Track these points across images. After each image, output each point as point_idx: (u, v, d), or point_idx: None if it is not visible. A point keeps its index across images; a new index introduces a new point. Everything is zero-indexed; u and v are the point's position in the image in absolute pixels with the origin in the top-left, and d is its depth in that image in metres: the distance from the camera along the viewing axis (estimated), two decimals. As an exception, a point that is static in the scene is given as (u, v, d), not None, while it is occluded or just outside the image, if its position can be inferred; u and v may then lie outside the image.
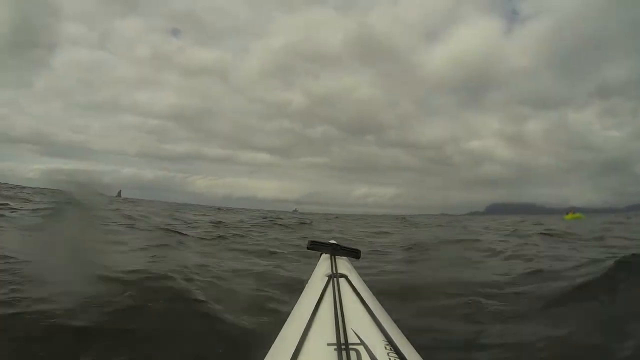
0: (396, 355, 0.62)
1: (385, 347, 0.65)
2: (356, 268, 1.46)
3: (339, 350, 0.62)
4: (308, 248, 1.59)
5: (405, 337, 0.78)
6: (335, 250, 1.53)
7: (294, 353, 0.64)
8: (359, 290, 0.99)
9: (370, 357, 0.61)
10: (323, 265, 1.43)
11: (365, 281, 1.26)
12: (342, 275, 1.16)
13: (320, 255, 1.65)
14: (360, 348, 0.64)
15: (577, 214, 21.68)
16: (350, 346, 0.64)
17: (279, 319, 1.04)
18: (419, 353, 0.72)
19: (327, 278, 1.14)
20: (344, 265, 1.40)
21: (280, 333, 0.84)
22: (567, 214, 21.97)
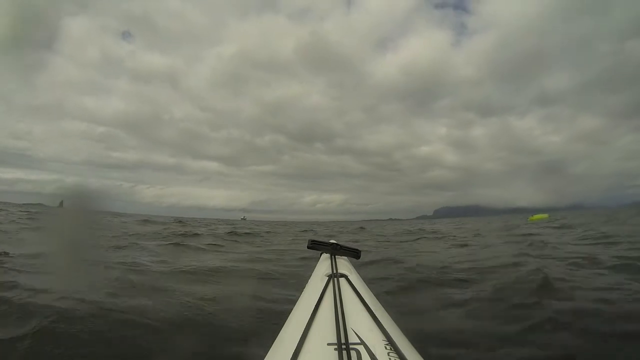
0: (396, 355, 0.62)
1: (386, 347, 0.65)
2: (356, 268, 1.46)
3: (339, 350, 0.63)
4: (308, 247, 1.59)
5: (405, 337, 0.78)
6: (336, 250, 1.53)
7: (294, 353, 0.64)
8: (359, 290, 0.99)
9: (371, 357, 0.61)
10: (323, 265, 1.43)
11: (365, 281, 1.26)
12: (342, 275, 1.16)
13: (321, 254, 1.65)
14: (361, 348, 0.65)
15: (542, 215, 23.27)
16: (351, 346, 0.64)
17: (278, 319, 1.04)
18: (419, 353, 0.72)
19: (327, 278, 1.14)
20: (344, 265, 1.40)
21: (280, 333, 0.84)
22: (531, 215, 23.61)
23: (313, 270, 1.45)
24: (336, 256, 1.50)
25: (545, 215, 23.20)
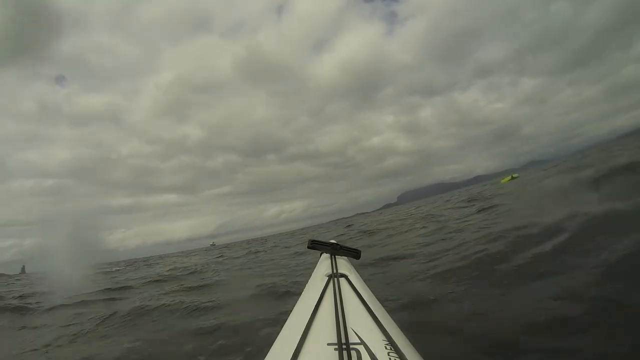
0: (396, 355, 0.62)
1: (386, 347, 0.65)
2: (356, 268, 1.46)
3: (340, 350, 0.63)
4: (308, 247, 1.59)
5: (405, 337, 0.78)
6: (336, 250, 1.53)
7: (294, 353, 0.64)
8: (359, 290, 0.99)
9: (371, 357, 0.62)
10: (323, 265, 1.43)
11: (365, 281, 1.26)
12: (343, 275, 1.16)
13: (321, 254, 1.65)
14: (361, 348, 0.65)
15: (514, 175, 24.61)
16: (351, 346, 0.65)
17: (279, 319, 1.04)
18: (419, 353, 0.72)
19: (327, 278, 1.14)
20: (344, 265, 1.40)
21: (280, 333, 0.84)
22: (503, 178, 24.86)
23: (313, 270, 1.45)
24: (336, 256, 1.50)
25: (516, 175, 24.77)
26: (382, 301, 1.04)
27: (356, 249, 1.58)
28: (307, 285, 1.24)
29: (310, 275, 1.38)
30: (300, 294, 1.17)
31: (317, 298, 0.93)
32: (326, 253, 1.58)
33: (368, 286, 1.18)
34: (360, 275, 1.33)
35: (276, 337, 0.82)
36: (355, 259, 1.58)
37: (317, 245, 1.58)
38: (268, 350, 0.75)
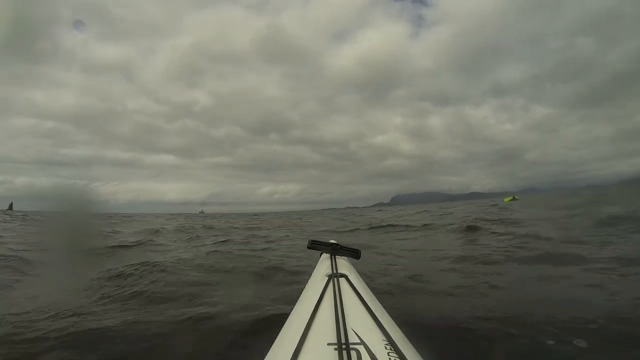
0: (396, 355, 0.62)
1: (386, 347, 0.65)
2: (356, 268, 1.46)
3: (340, 350, 0.63)
4: (308, 247, 1.59)
5: (405, 337, 0.78)
6: (336, 250, 1.53)
7: (294, 353, 0.64)
8: (359, 290, 0.99)
9: (371, 357, 0.61)
10: (323, 265, 1.43)
11: (365, 281, 1.26)
12: (342, 275, 1.16)
13: (321, 254, 1.65)
14: (361, 348, 0.65)
15: (515, 197, 25.67)
16: (351, 346, 0.65)
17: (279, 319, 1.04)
18: (419, 353, 0.72)
19: (327, 278, 1.14)
20: (344, 265, 1.40)
21: (280, 333, 0.84)
22: (504, 198, 25.90)
23: (313, 270, 1.45)
24: (336, 256, 1.50)
25: (517, 197, 26.01)
26: (382, 301, 1.05)
27: (356, 249, 1.58)
28: (307, 285, 1.24)
29: (310, 275, 1.38)
30: (300, 294, 1.17)
31: (317, 298, 0.93)
32: (326, 253, 1.58)
33: (368, 286, 1.18)
34: (360, 275, 1.33)
35: (276, 337, 0.82)
36: (355, 259, 1.58)
37: (317, 245, 1.58)
38: (268, 350, 0.75)
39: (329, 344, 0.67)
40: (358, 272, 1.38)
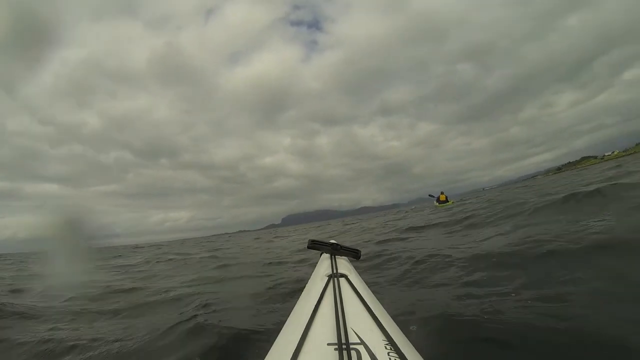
0: (396, 355, 0.62)
1: (386, 347, 0.65)
2: (356, 268, 1.46)
3: (340, 350, 0.63)
4: (308, 247, 1.59)
5: (405, 337, 0.78)
6: (336, 250, 1.53)
7: (294, 353, 0.64)
8: (359, 290, 0.99)
9: (371, 357, 0.61)
10: (323, 265, 1.43)
11: (365, 281, 1.26)
12: (343, 275, 1.16)
13: (321, 254, 1.65)
14: (361, 348, 0.65)
15: (450, 200, 19.00)
16: (351, 346, 0.65)
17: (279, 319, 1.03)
18: (419, 353, 0.72)
19: (327, 278, 1.14)
20: (344, 265, 1.40)
21: (280, 333, 0.84)
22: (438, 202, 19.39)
23: (313, 270, 1.45)
24: (336, 256, 1.50)
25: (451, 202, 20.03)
26: (382, 301, 1.04)
27: (356, 249, 1.58)
28: (307, 285, 1.25)
29: (310, 275, 1.38)
30: (300, 294, 1.17)
31: (317, 298, 0.93)
32: (326, 253, 1.58)
33: (368, 286, 1.18)
34: (360, 275, 1.33)
35: (276, 336, 0.82)
36: (355, 259, 1.58)
37: (317, 245, 1.58)
38: (268, 350, 0.75)
39: (329, 344, 0.67)
40: (358, 272, 1.38)
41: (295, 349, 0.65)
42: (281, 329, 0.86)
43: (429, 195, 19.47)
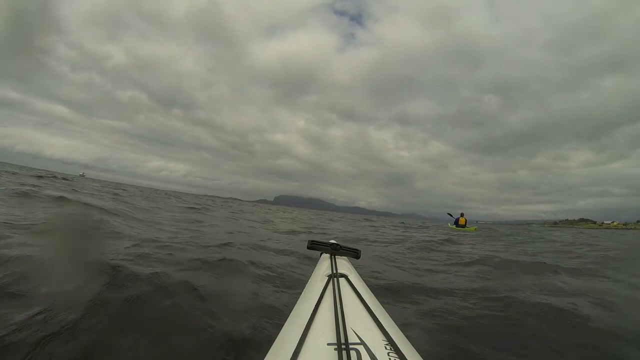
0: (396, 355, 0.63)
1: (386, 347, 0.65)
2: (356, 268, 1.46)
3: (339, 350, 0.63)
4: (308, 247, 1.59)
5: (405, 337, 0.78)
6: (335, 250, 1.53)
7: (294, 353, 0.64)
8: (359, 290, 0.99)
9: (371, 357, 0.62)
10: (323, 265, 1.43)
11: (365, 281, 1.26)
12: (342, 275, 1.16)
13: (321, 255, 1.65)
14: (361, 348, 0.65)
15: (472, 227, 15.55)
16: (351, 346, 0.65)
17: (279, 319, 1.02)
18: (419, 353, 0.72)
19: (327, 278, 1.14)
20: (344, 265, 1.40)
21: (280, 333, 0.84)
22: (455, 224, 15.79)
23: (313, 270, 1.45)
24: (336, 256, 1.50)
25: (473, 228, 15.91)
26: (382, 301, 1.05)
27: (356, 249, 1.58)
28: (307, 285, 1.24)
29: (310, 275, 1.38)
30: (300, 293, 1.16)
31: (317, 298, 0.93)
32: (326, 253, 1.58)
33: (368, 286, 1.18)
34: (360, 275, 1.33)
35: (276, 336, 0.82)
36: (355, 259, 1.58)
37: (317, 246, 1.58)
38: (268, 350, 0.75)
39: (328, 344, 0.67)
40: (358, 272, 1.37)
41: (295, 349, 0.65)
42: (281, 329, 0.86)
43: (448, 214, 16.92)
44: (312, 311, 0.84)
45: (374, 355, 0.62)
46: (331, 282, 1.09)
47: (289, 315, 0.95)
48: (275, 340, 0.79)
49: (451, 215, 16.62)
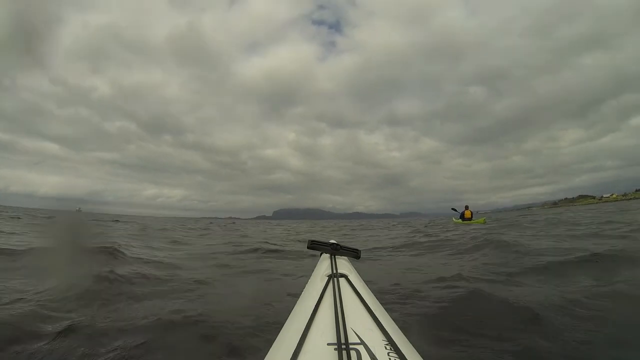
0: (396, 355, 0.62)
1: (386, 347, 0.65)
2: (356, 268, 1.46)
3: (339, 350, 0.63)
4: (308, 247, 1.59)
5: (405, 337, 0.78)
6: (336, 250, 1.52)
7: (294, 353, 0.64)
8: (359, 290, 0.99)
9: (371, 357, 0.61)
10: (323, 265, 1.43)
11: (365, 281, 1.26)
12: (342, 275, 1.16)
13: (321, 255, 1.65)
14: (361, 348, 0.64)
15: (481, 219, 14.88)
16: (351, 346, 0.64)
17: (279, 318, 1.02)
18: (419, 353, 0.72)
19: (327, 278, 1.14)
20: (344, 265, 1.40)
21: (280, 332, 0.84)
22: (461, 217, 15.42)
23: (313, 270, 1.45)
24: (336, 256, 1.50)
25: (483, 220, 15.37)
26: (382, 301, 1.04)
27: (356, 249, 1.57)
28: (307, 285, 1.24)
29: (310, 275, 1.38)
30: (300, 293, 1.16)
31: (317, 298, 0.93)
32: (326, 253, 1.57)
33: (368, 286, 1.18)
34: (361, 275, 1.33)
35: (276, 336, 0.82)
36: (355, 259, 1.57)
37: (317, 246, 1.58)
38: (268, 350, 0.75)
39: (328, 344, 0.67)
40: (358, 272, 1.37)
41: (295, 349, 0.65)
42: (281, 329, 0.86)
43: (452, 209, 16.20)
44: (312, 311, 0.84)
45: (374, 355, 0.62)
46: (331, 282, 1.09)
47: (289, 315, 0.95)
48: (275, 340, 0.79)
49: (456, 210, 15.99)
